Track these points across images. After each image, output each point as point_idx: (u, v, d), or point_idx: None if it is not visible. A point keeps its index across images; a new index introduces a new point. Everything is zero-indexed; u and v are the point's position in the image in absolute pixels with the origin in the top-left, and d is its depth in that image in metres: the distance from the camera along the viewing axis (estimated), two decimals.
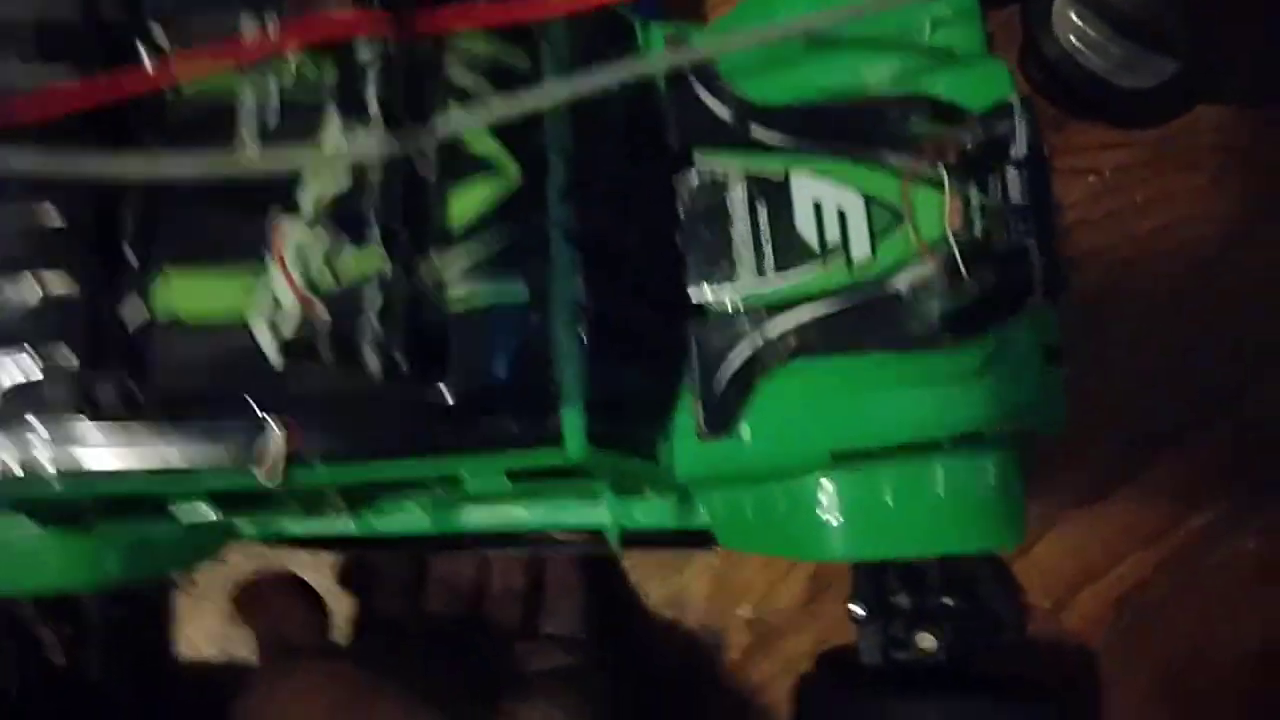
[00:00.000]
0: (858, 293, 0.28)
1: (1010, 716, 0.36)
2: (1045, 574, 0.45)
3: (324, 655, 0.38)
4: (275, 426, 0.24)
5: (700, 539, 0.41)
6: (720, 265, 0.29)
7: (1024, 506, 0.31)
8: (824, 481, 0.30)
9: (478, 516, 0.35)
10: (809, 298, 0.28)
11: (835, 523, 0.31)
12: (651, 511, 0.35)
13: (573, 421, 0.25)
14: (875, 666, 0.39)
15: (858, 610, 0.39)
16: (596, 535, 0.40)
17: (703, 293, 0.29)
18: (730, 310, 0.29)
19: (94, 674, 0.39)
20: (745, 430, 0.29)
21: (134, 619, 0.42)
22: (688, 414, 0.29)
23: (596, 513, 0.35)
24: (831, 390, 0.29)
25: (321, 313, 0.21)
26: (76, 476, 0.24)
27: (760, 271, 0.29)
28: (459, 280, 0.23)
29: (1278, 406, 0.45)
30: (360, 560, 0.44)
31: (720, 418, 0.29)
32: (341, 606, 0.43)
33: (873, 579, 0.39)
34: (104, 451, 0.24)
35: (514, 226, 0.23)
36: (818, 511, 0.31)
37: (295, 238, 0.22)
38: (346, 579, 0.45)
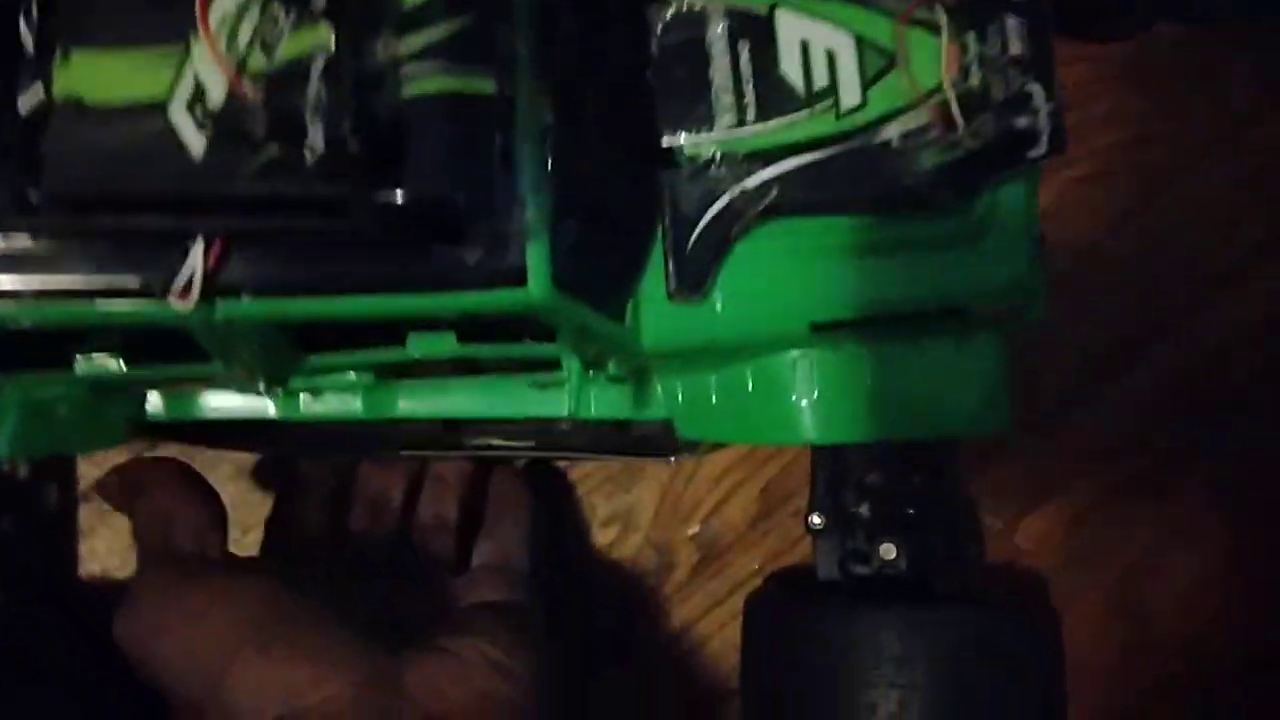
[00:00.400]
0: (845, 142, 0.26)
1: (979, 628, 0.34)
2: (997, 495, 0.43)
3: (226, 570, 0.32)
4: (195, 242, 0.20)
5: (652, 447, 0.38)
6: (696, 109, 0.26)
7: (1008, 393, 0.30)
8: (799, 358, 0.28)
9: (416, 403, 0.32)
10: (792, 147, 0.26)
11: (809, 403, 0.29)
12: (608, 401, 0.32)
13: (538, 255, 0.22)
14: (832, 580, 0.37)
15: (816, 520, 0.37)
16: (540, 441, 0.38)
17: (676, 139, 0.26)
18: (706, 158, 0.26)
19: None
20: (719, 296, 0.27)
21: (29, 529, 0.38)
22: (658, 276, 0.27)
23: (547, 401, 0.33)
24: (813, 255, 0.27)
25: (253, 94, 0.18)
26: None
27: (740, 118, 0.26)
28: (417, 64, 0.20)
29: (1229, 328, 0.44)
30: (277, 463, 0.41)
31: (693, 275, 0.26)
32: (240, 515, 0.40)
33: (832, 489, 0.37)
34: None
35: (480, 20, 0.20)
36: (791, 392, 0.29)
37: (224, 8, 0.18)
38: (258, 481, 0.41)
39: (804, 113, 0.26)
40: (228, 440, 0.37)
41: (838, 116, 0.26)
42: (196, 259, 0.20)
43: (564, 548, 0.42)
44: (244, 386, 0.29)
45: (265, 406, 0.32)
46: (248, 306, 0.22)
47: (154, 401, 0.31)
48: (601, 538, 0.43)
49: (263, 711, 0.28)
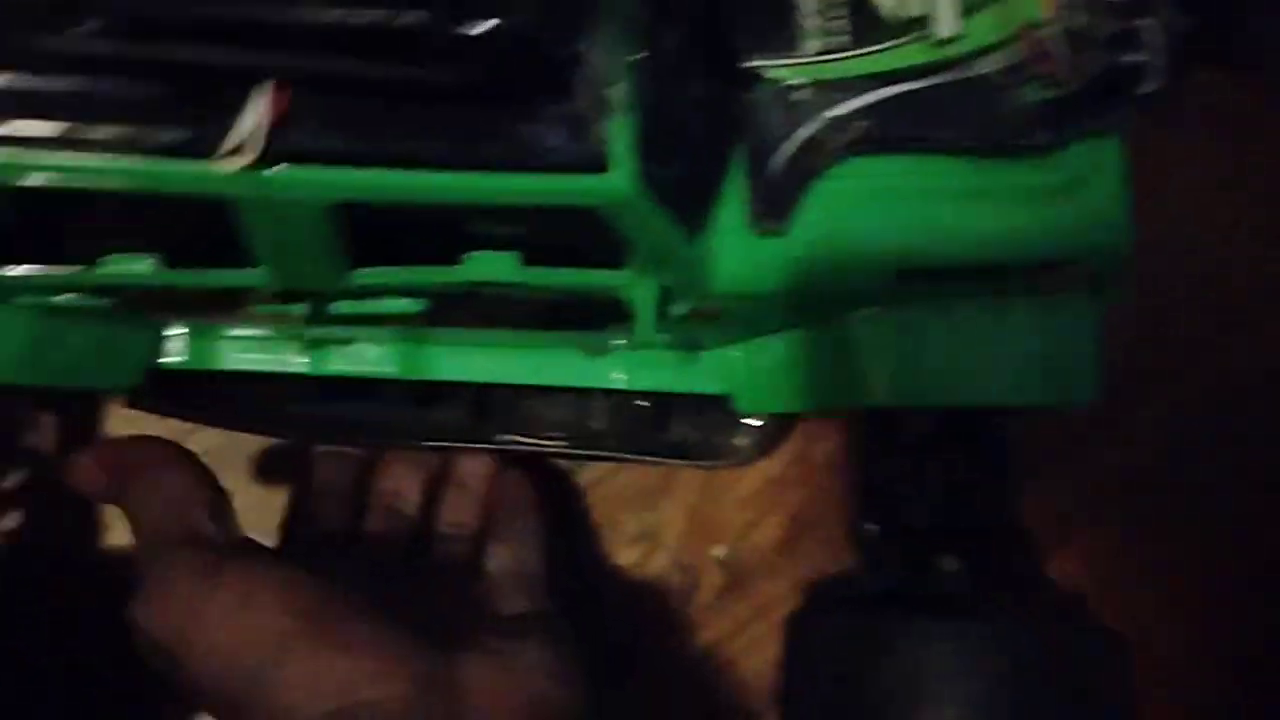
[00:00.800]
0: (941, 73, 0.24)
1: (1051, 642, 0.32)
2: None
3: (263, 555, 0.30)
4: (257, 90, 0.19)
5: (688, 453, 0.36)
6: (782, 32, 0.25)
7: (1098, 364, 0.27)
8: (876, 313, 0.26)
9: (454, 364, 0.30)
10: (884, 77, 0.25)
11: (883, 363, 0.26)
12: (659, 371, 0.30)
13: (623, 143, 0.20)
14: (887, 591, 0.34)
15: (870, 528, 0.35)
16: (571, 439, 0.36)
17: (758, 61, 0.25)
18: (791, 83, 0.24)
19: None
20: (799, 237, 0.25)
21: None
22: (735, 211, 0.25)
23: (596, 369, 0.30)
24: (901, 197, 0.25)
25: None
26: None
27: (828, 44, 0.25)
28: None
29: (1254, 358, 0.42)
30: (288, 458, 0.38)
31: (776, 202, 0.24)
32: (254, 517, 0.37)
33: (887, 492, 0.35)
34: None
35: None
36: (863, 351, 0.27)
37: None
38: (270, 471, 0.38)
39: (897, 41, 0.25)
40: (243, 420, 0.35)
41: (934, 46, 0.25)
42: (258, 108, 0.19)
43: (576, 555, 0.40)
44: (276, 324, 0.27)
45: (293, 360, 0.30)
46: (304, 176, 0.20)
47: (174, 347, 0.29)
48: (627, 555, 0.41)
49: (314, 707, 0.26)
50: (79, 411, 0.37)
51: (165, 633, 0.27)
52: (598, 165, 0.20)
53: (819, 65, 0.25)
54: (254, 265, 0.23)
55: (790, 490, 0.41)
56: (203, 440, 0.36)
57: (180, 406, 0.34)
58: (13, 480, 0.37)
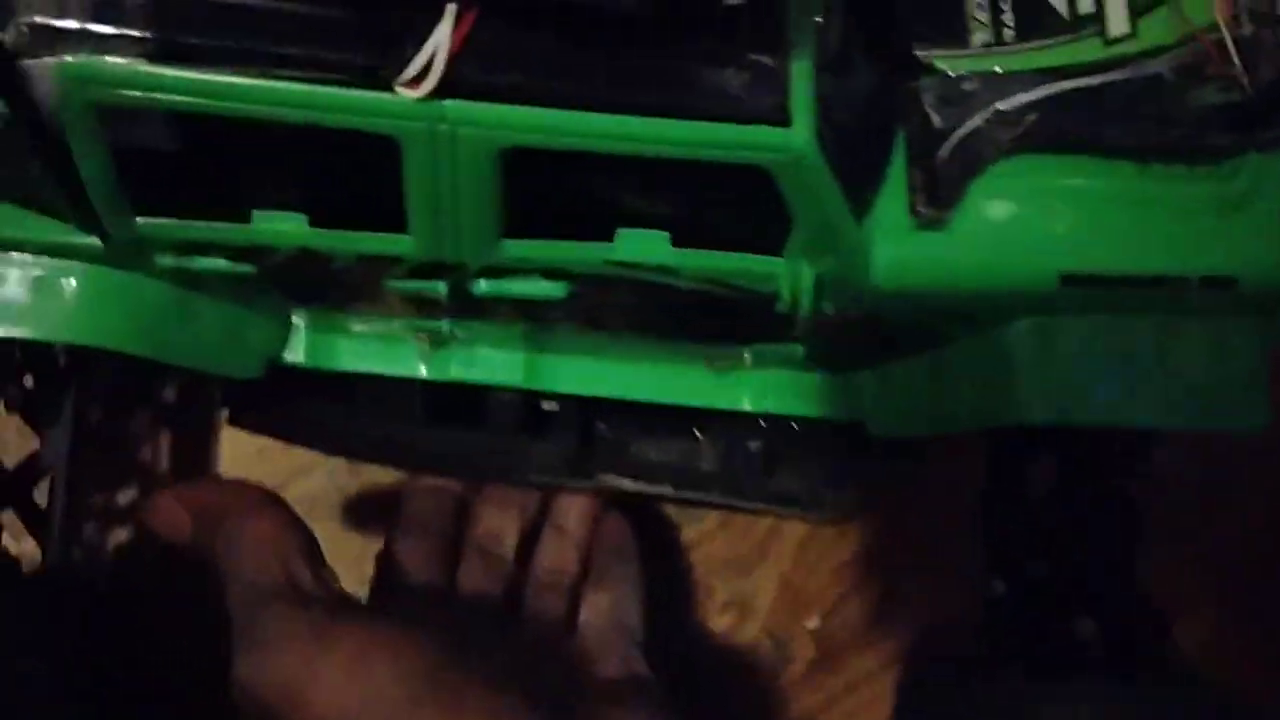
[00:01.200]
0: (1112, 71, 0.24)
1: (1196, 711, 0.29)
2: None
3: (376, 612, 0.29)
4: (441, 16, 0.18)
5: (786, 498, 0.35)
6: (952, 26, 0.24)
7: (1267, 390, 0.26)
8: (1034, 324, 0.25)
9: (579, 377, 0.29)
10: (1054, 72, 0.24)
11: (1042, 376, 0.25)
12: (786, 396, 0.29)
13: (804, 98, 0.20)
14: (1016, 655, 0.32)
15: (997, 587, 0.32)
16: (676, 483, 0.34)
17: (926, 50, 0.24)
18: (959, 73, 0.24)
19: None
20: (963, 232, 0.24)
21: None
22: (895, 204, 0.24)
23: (722, 388, 0.29)
24: (1069, 198, 0.24)
25: None
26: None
27: (998, 37, 0.24)
28: None
29: None
30: (379, 498, 0.37)
31: (941, 191, 0.23)
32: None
33: (1010, 552, 0.33)
34: None
35: None
36: (1019, 364, 0.25)
37: None
38: (360, 516, 0.37)
39: (1067, 37, 0.24)
40: (347, 444, 0.34)
41: (1105, 44, 0.24)
42: (439, 36, 0.18)
43: (669, 616, 0.38)
44: (407, 312, 0.26)
45: (414, 362, 0.29)
46: (481, 111, 0.19)
47: (295, 342, 0.28)
48: (718, 622, 0.40)
49: None
50: (195, 430, 0.36)
51: (274, 692, 0.26)
52: (780, 118, 0.19)
53: (987, 57, 0.24)
54: (405, 230, 0.22)
55: (884, 561, 0.40)
56: (293, 490, 0.36)
57: (283, 426, 0.33)
58: (125, 497, 0.36)
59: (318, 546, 0.30)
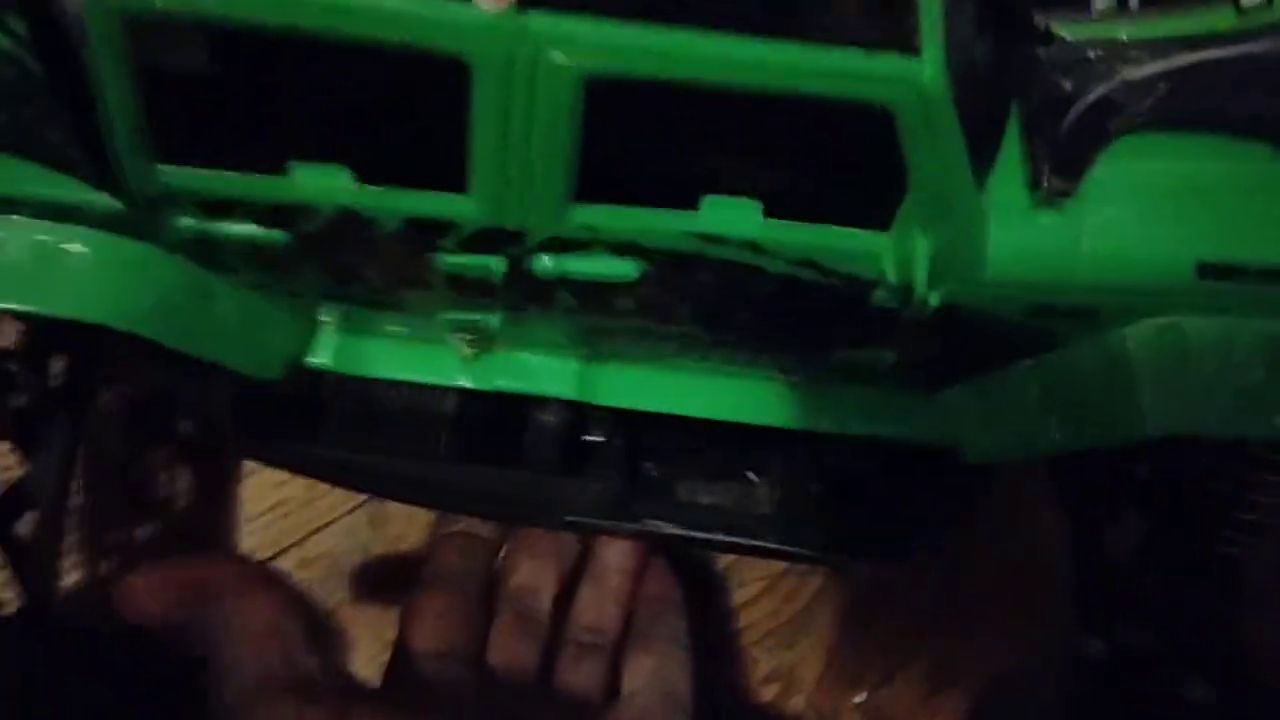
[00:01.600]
0: (1248, 42, 0.21)
1: None
2: None
3: (380, 705, 0.26)
4: None
5: (857, 549, 0.31)
6: None
7: None
8: (1159, 325, 0.22)
9: (636, 390, 0.26)
10: (1185, 41, 0.22)
11: (1168, 382, 0.22)
12: (873, 417, 0.26)
13: (934, 30, 0.17)
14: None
15: (1096, 646, 0.29)
16: (728, 527, 0.31)
17: (1048, 22, 0.22)
18: (1082, 39, 0.21)
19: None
20: (1088, 216, 0.21)
21: None
22: (1011, 183, 0.21)
23: (795, 408, 0.26)
24: (1202, 181, 0.22)
25: None
26: None
27: (1122, 3, 0.22)
28: None
29: None
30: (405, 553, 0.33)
31: (1063, 165, 0.21)
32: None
33: (1109, 605, 0.29)
34: None
35: None
36: (1141, 370, 0.22)
37: None
38: (382, 573, 0.33)
39: (1196, 5, 0.22)
40: (374, 482, 0.30)
41: (1239, 12, 0.22)
42: None
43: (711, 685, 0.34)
44: (458, 298, 0.23)
45: (453, 370, 0.26)
46: (570, 27, 0.16)
47: (322, 346, 0.25)
48: (761, 694, 0.37)
49: None
50: (216, 465, 0.33)
51: None
52: (908, 44, 0.17)
53: (1111, 25, 0.22)
54: (463, 190, 0.19)
55: (935, 632, 0.37)
56: (311, 548, 0.33)
57: (303, 460, 0.30)
58: (143, 533, 0.32)
59: (323, 627, 0.27)
